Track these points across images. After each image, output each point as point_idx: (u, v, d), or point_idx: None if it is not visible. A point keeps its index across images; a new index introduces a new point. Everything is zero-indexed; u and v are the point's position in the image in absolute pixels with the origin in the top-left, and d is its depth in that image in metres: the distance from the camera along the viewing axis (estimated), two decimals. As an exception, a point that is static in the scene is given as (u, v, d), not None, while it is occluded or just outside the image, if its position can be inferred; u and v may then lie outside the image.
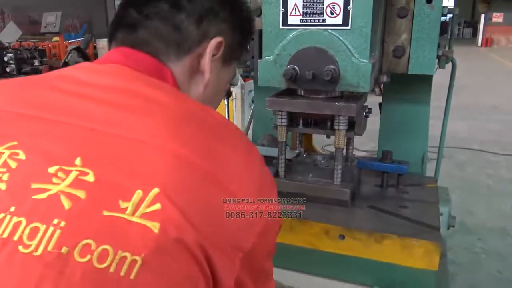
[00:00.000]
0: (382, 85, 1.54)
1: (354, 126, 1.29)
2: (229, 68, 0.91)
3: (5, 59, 7.48)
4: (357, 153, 5.47)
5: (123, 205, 0.55)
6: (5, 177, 0.58)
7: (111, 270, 0.52)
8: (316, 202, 1.32)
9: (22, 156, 0.60)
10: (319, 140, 2.58)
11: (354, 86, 1.18)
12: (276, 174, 1.37)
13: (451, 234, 3.24)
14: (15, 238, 0.53)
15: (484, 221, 3.68)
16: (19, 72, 7.44)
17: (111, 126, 0.62)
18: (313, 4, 1.18)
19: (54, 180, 0.57)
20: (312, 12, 1.19)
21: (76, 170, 0.57)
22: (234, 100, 3.87)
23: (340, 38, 1.17)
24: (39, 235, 0.53)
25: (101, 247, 0.52)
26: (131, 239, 0.54)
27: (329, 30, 1.18)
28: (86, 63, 0.79)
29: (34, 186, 0.56)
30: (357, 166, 1.45)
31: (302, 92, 1.30)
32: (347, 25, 1.16)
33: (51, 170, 0.58)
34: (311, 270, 1.24)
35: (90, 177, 0.57)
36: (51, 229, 0.53)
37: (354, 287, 1.22)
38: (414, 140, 1.57)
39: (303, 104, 1.26)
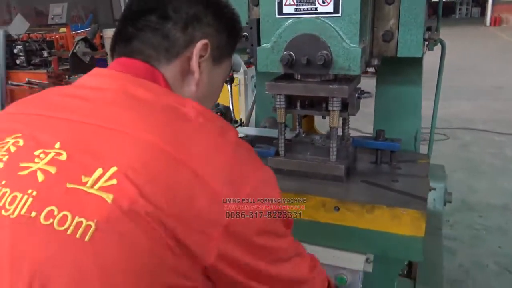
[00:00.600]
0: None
1: (347, 107, 1.39)
2: (220, 66, 1.01)
3: (15, 51, 7.61)
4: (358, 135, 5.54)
5: (84, 179, 0.68)
6: (5, 158, 0.74)
7: (69, 232, 0.64)
8: (314, 178, 1.42)
9: (21, 143, 0.75)
10: (323, 123, 2.68)
11: (346, 69, 1.28)
12: (277, 153, 1.48)
13: (452, 212, 3.34)
14: (1, 204, 0.68)
15: (486, 198, 3.77)
16: (29, 64, 7.58)
17: (95, 118, 0.76)
18: (306, -6, 1.27)
19: (36, 160, 0.72)
20: (305, 1, 1.28)
21: (54, 152, 0.72)
22: (238, 86, 3.97)
23: (332, 25, 1.26)
24: (16, 202, 0.67)
25: (61, 213, 0.65)
26: (87, 207, 0.66)
27: (321, 18, 1.26)
28: (94, 70, 0.91)
29: (21, 165, 0.72)
30: (352, 144, 1.55)
31: (299, 76, 1.39)
32: (338, 13, 1.25)
33: (36, 152, 0.73)
34: (311, 240, 1.34)
35: (63, 157, 0.71)
36: (25, 197, 0.68)
37: (350, 255, 1.33)
38: (407, 120, 1.66)
39: (300, 87, 1.36)
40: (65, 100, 0.83)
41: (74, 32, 9.54)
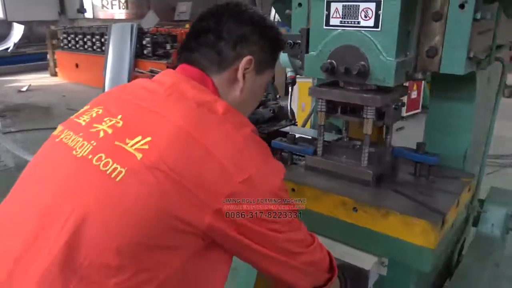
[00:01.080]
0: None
1: (384, 116, 1.46)
2: (262, 76, 1.22)
3: (144, 42, 8.60)
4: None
5: (127, 141, 0.94)
6: (87, 120, 1.04)
7: (108, 172, 0.91)
8: (344, 179, 1.52)
9: (100, 112, 1.05)
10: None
11: (381, 81, 1.36)
12: (314, 153, 1.60)
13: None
14: (75, 147, 0.98)
15: None
16: (154, 54, 8.50)
17: (149, 104, 1.03)
18: (350, 8, 1.38)
19: (103, 123, 1.00)
20: (349, 15, 1.39)
21: (115, 120, 1.00)
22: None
23: (371, 38, 1.35)
24: (83, 147, 0.97)
25: (106, 159, 0.93)
26: (123, 159, 0.92)
27: (363, 31, 1.36)
28: (166, 70, 1.18)
29: (94, 125, 1.01)
30: (392, 154, 1.61)
31: (342, 84, 1.50)
32: (378, 27, 1.34)
33: (105, 119, 1.01)
34: (329, 234, 1.46)
35: (120, 124, 0.99)
36: (88, 145, 0.97)
37: (362, 254, 1.41)
38: (456, 137, 1.65)
39: (338, 94, 1.47)
40: (138, 90, 1.11)
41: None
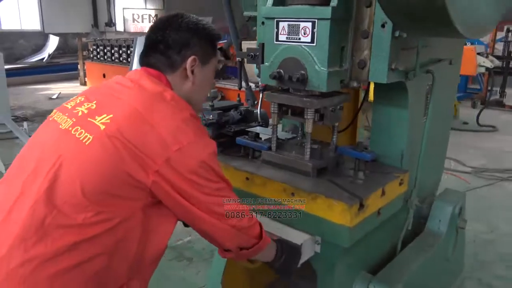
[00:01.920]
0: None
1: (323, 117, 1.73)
2: (209, 65, 1.52)
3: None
4: (463, 169, 5.34)
5: (96, 117, 1.26)
6: (73, 104, 1.38)
7: (80, 138, 1.24)
8: (291, 171, 1.79)
9: (82, 99, 1.39)
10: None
11: (316, 87, 1.63)
12: (269, 148, 1.88)
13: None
14: (61, 122, 1.31)
15: None
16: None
17: (118, 93, 1.35)
18: (293, 27, 1.66)
19: (82, 106, 1.33)
20: (293, 32, 1.67)
21: (91, 104, 1.33)
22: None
23: (309, 51, 1.63)
24: (67, 122, 1.30)
25: (81, 130, 1.25)
26: (91, 129, 1.24)
27: (302, 46, 1.64)
28: (134, 70, 1.49)
29: (76, 108, 1.35)
30: (337, 151, 1.87)
31: (292, 90, 1.78)
32: (313, 43, 1.62)
33: (85, 103, 1.34)
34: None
35: (93, 107, 1.32)
36: (70, 121, 1.30)
37: (299, 233, 1.67)
38: (395, 138, 1.89)
39: (285, 98, 1.75)
40: (113, 84, 1.43)
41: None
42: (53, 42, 15.47)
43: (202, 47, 1.46)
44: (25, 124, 6.53)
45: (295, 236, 1.65)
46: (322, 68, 1.61)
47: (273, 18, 1.71)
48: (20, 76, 12.21)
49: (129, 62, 9.63)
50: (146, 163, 1.20)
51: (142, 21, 20.16)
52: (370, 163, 1.85)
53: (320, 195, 1.58)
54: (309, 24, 1.62)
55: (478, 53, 7.26)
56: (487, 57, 7.42)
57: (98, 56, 11.14)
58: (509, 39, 8.90)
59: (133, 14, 19.65)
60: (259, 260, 1.59)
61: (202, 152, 1.28)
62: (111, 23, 17.23)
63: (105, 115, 1.26)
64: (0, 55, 5.93)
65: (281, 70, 1.70)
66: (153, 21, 20.45)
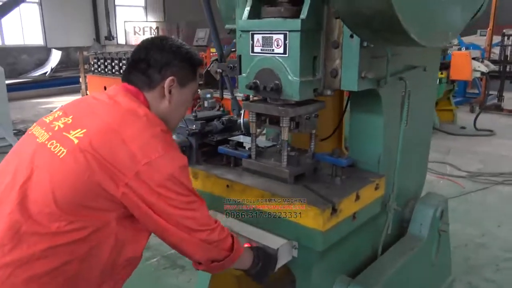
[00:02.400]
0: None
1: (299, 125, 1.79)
2: (186, 87, 1.58)
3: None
4: (458, 173, 5.38)
5: (71, 132, 1.33)
6: (51, 118, 1.46)
7: (55, 152, 1.32)
8: (269, 177, 1.84)
9: (60, 113, 1.46)
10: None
11: (290, 96, 1.69)
12: (249, 156, 1.94)
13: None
14: (38, 136, 1.39)
15: None
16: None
17: (94, 108, 1.42)
18: (267, 39, 1.73)
19: (59, 121, 1.41)
20: (267, 44, 1.73)
21: (68, 119, 1.40)
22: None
23: (282, 62, 1.69)
24: (43, 136, 1.37)
25: (56, 144, 1.33)
26: (66, 143, 1.31)
27: (276, 57, 1.71)
28: (113, 87, 1.56)
29: (54, 123, 1.42)
30: (315, 158, 1.92)
31: (269, 99, 1.84)
32: (286, 54, 1.68)
33: (62, 118, 1.41)
34: (253, 221, 1.78)
35: (69, 121, 1.38)
36: (47, 135, 1.37)
37: (276, 238, 1.71)
38: (370, 145, 1.94)
39: (261, 107, 1.81)
40: (90, 99, 1.51)
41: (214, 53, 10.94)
42: (55, 56, 15.68)
43: (181, 69, 1.53)
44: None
45: (273, 241, 1.70)
46: (294, 78, 1.67)
47: (248, 31, 1.78)
48: (23, 91, 12.40)
49: (129, 74, 9.76)
50: (116, 176, 1.26)
51: (143, 34, 20.38)
52: (348, 169, 1.91)
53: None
54: (281, 36, 1.68)
55: (473, 58, 7.31)
56: (482, 61, 7.46)
57: (99, 69, 11.27)
58: (505, 43, 8.94)
59: (134, 27, 19.88)
60: (236, 268, 1.63)
61: (170, 166, 1.33)
62: (110, 36, 17.44)
63: (79, 130, 1.33)
64: (1, 71, 6.05)
65: (257, 81, 1.76)
66: (154, 33, 20.70)
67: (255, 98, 2.00)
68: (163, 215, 1.33)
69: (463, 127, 7.73)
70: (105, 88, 10.93)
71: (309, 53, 1.69)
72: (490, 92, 9.07)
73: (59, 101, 11.34)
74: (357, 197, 1.73)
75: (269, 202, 1.71)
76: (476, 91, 10.27)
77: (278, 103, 1.79)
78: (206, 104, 7.61)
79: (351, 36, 1.65)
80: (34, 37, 16.77)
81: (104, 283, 1.36)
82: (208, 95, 7.35)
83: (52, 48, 16.40)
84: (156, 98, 1.52)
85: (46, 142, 1.35)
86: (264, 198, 1.73)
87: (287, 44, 1.67)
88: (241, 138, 2.12)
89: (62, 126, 1.38)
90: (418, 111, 2.19)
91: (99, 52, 12.35)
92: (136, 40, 19.79)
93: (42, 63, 16.11)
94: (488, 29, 9.34)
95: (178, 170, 1.34)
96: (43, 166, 1.30)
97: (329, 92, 1.80)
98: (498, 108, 9.04)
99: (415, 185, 2.39)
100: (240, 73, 1.87)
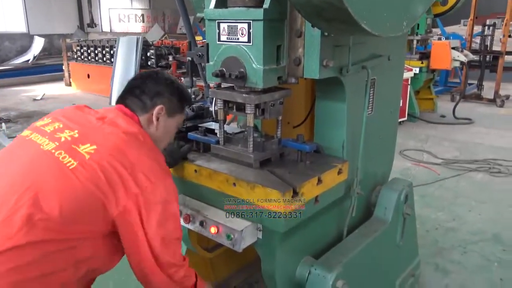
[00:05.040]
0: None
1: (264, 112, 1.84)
2: (173, 118, 1.76)
3: (148, 54, 9.14)
4: (434, 160, 5.51)
5: (80, 146, 1.42)
6: (51, 129, 1.53)
7: (64, 162, 1.40)
8: (236, 162, 1.90)
9: (61, 126, 1.54)
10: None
11: (254, 83, 1.74)
12: (217, 142, 1.99)
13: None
14: (44, 144, 1.47)
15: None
16: (157, 65, 9.03)
17: (97, 127, 1.52)
18: (232, 27, 1.77)
19: (64, 133, 1.49)
20: (232, 32, 1.78)
21: (74, 132, 1.48)
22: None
23: (246, 50, 1.73)
24: (49, 145, 1.45)
25: (64, 154, 1.42)
26: (75, 156, 1.39)
27: (241, 45, 1.75)
28: (107, 108, 1.66)
29: (57, 133, 1.52)
30: (281, 144, 1.98)
31: (236, 87, 1.88)
32: (250, 42, 1.72)
33: (66, 130, 1.52)
34: (218, 205, 1.84)
35: (76, 135, 1.48)
36: (53, 144, 1.46)
37: (240, 221, 1.78)
38: (335, 130, 2.01)
39: (227, 94, 1.86)
40: (90, 117, 1.60)
41: (201, 41, 10.91)
42: (38, 44, 15.46)
43: (171, 101, 1.73)
44: (3, 125, 6.57)
45: (238, 224, 1.76)
46: (258, 66, 1.71)
47: (215, 20, 1.82)
48: (5, 78, 12.23)
49: (112, 62, 9.70)
50: (118, 196, 1.37)
51: (128, 21, 20.16)
52: (314, 154, 1.97)
53: (258, 185, 1.69)
54: (245, 25, 1.72)
55: (453, 48, 7.42)
56: (462, 51, 7.58)
57: (82, 57, 11.19)
58: (485, 33, 9.07)
59: (119, 14, 19.63)
60: None
61: (166, 192, 1.50)
62: (93, 23, 17.24)
63: (88, 145, 1.44)
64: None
65: (223, 69, 1.81)
66: (139, 20, 20.44)
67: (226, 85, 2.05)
68: (148, 238, 1.46)
69: (443, 116, 7.88)
70: (88, 76, 10.89)
71: (273, 42, 1.74)
72: (471, 82, 9.26)
73: (42, 89, 11.22)
74: (319, 181, 1.79)
75: (233, 186, 1.77)
76: (458, 81, 10.42)
77: (243, 90, 1.83)
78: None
79: (313, 26, 1.70)
80: (16, 23, 16.48)
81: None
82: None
83: (35, 35, 16.16)
84: (146, 123, 1.69)
85: (53, 151, 1.42)
86: (229, 182, 1.79)
87: (251, 33, 1.71)
88: (212, 125, 2.17)
89: (69, 138, 1.47)
90: (384, 99, 2.26)
91: (82, 39, 12.22)
92: (121, 27, 19.58)
93: (24, 50, 15.88)
94: (469, 19, 9.46)
95: (174, 197, 1.53)
96: (50, 174, 1.37)
97: (293, 80, 1.85)
98: (477, 97, 9.21)
99: (381, 170, 2.47)
100: (208, 61, 1.92)
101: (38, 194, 1.32)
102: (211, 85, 2.44)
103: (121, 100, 1.70)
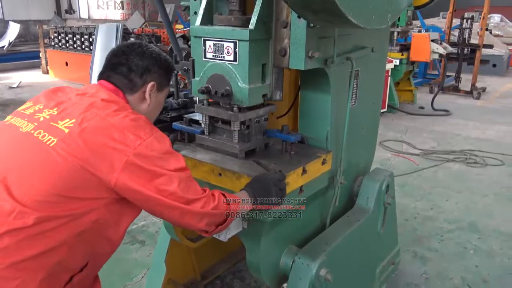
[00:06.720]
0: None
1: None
2: (162, 91, 1.69)
3: (128, 42, 8.97)
4: (413, 151, 5.60)
5: (59, 122, 1.38)
6: (31, 111, 1.49)
7: (44, 140, 1.34)
8: (222, 153, 1.90)
9: (41, 107, 1.50)
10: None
11: (240, 101, 1.74)
12: (202, 132, 1.99)
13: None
14: (21, 126, 1.43)
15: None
16: (138, 54, 8.86)
17: (78, 101, 1.46)
18: (218, 46, 1.76)
19: (43, 112, 1.46)
20: (218, 51, 1.77)
21: (52, 110, 1.45)
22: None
23: (232, 69, 1.73)
24: (27, 126, 1.42)
25: (44, 133, 1.36)
26: (55, 133, 1.35)
27: (227, 63, 1.75)
28: (90, 85, 1.61)
29: (36, 114, 1.46)
30: (266, 135, 1.99)
31: (222, 103, 1.86)
32: (236, 61, 1.72)
33: (45, 110, 1.46)
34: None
35: (55, 112, 1.43)
36: (31, 125, 1.41)
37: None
38: (320, 121, 2.03)
39: (212, 110, 1.86)
40: (71, 95, 1.53)
41: (181, 30, 10.77)
42: (13, 30, 15.00)
43: (160, 76, 1.65)
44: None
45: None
46: (244, 84, 1.72)
47: (201, 37, 1.81)
48: (-21, 65, 11.85)
49: (91, 50, 9.51)
50: (111, 162, 1.31)
51: (107, 8, 19.75)
52: (298, 145, 2.00)
53: (243, 175, 1.70)
54: (231, 44, 1.72)
55: (432, 40, 7.53)
56: (440, 44, 7.70)
57: (60, 44, 10.92)
58: (463, 26, 9.23)
59: (97, 1, 19.20)
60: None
61: (163, 143, 1.42)
62: (70, 9, 16.80)
63: (67, 120, 1.38)
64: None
65: (209, 85, 1.81)
66: (119, 7, 20.04)
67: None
68: (162, 193, 1.37)
69: (421, 107, 8.02)
70: (66, 64, 10.65)
71: (258, 61, 1.75)
72: (449, 74, 9.42)
73: (19, 76, 10.93)
74: (304, 171, 1.82)
75: (219, 177, 1.78)
76: (436, 73, 10.60)
77: (229, 107, 1.82)
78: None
79: (299, 17, 1.70)
80: (-11, 8, 15.94)
81: (83, 269, 1.43)
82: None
83: (10, 20, 15.66)
84: (136, 100, 1.61)
85: (32, 132, 1.38)
86: (214, 172, 1.79)
87: (237, 53, 1.71)
88: (196, 116, 2.17)
89: (48, 117, 1.42)
90: (367, 91, 2.29)
91: (59, 26, 11.91)
92: (100, 14, 19.17)
93: (-1, 36, 15.39)
94: (449, 12, 9.60)
95: (169, 147, 1.45)
96: (31, 155, 1.33)
97: (278, 97, 1.87)
98: (455, 89, 9.39)
99: (364, 161, 2.52)
100: (194, 77, 1.91)
101: (14, 179, 1.30)
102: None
103: (103, 76, 1.60)
